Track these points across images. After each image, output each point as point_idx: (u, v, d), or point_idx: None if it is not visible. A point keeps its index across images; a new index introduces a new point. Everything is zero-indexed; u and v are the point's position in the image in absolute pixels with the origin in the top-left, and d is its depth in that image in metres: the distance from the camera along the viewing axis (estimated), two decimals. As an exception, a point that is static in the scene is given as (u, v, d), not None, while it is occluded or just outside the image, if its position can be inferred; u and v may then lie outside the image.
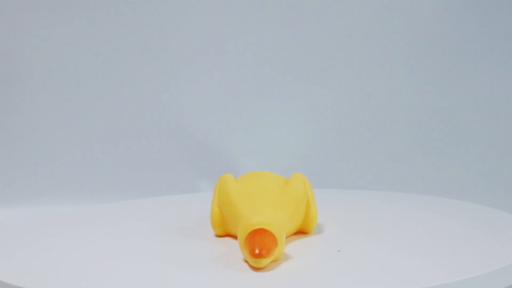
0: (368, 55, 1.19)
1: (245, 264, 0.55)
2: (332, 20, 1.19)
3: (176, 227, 0.68)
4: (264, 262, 0.54)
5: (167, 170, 1.16)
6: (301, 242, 0.62)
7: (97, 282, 0.52)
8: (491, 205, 0.78)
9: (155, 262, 0.57)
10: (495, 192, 1.12)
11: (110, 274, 0.54)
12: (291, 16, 1.18)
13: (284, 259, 0.57)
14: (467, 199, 0.87)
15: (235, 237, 0.63)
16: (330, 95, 1.19)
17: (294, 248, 0.60)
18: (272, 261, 0.55)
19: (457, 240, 0.61)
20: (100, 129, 1.15)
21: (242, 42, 1.18)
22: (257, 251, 0.54)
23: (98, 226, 0.70)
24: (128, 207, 0.81)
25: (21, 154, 1.14)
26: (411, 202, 0.78)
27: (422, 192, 1.02)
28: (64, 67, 1.15)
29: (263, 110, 1.19)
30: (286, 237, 0.61)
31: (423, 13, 1.19)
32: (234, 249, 0.60)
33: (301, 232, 0.65)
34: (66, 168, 1.14)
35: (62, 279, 0.53)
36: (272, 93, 1.19)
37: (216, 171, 1.15)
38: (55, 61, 1.14)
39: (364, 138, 1.19)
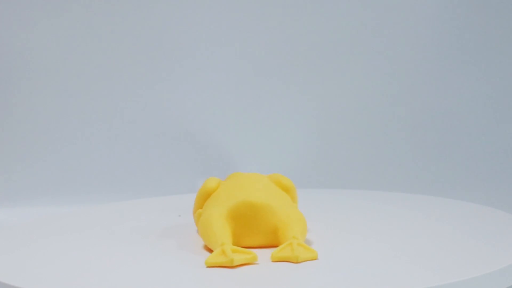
0: (368, 56, 1.19)
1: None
2: (332, 21, 1.19)
3: (176, 227, 0.68)
4: None
5: (167, 170, 1.16)
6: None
7: (97, 282, 0.52)
8: (491, 205, 0.78)
9: (154, 263, 0.57)
10: (495, 192, 1.12)
11: (109, 274, 0.54)
12: (290, 17, 1.18)
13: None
14: (467, 199, 0.87)
15: None
16: (330, 95, 1.19)
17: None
18: None
19: (457, 240, 0.61)
20: (100, 129, 1.15)
21: (243, 43, 1.18)
22: None
23: (98, 226, 0.70)
24: (128, 207, 0.81)
25: (21, 154, 1.13)
26: (411, 202, 0.78)
27: (422, 192, 1.02)
28: (65, 67, 1.15)
29: (263, 111, 1.19)
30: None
31: (423, 14, 1.19)
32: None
33: None
34: (66, 168, 1.14)
35: (61, 279, 0.53)
36: (273, 93, 1.19)
37: (216, 171, 1.15)
38: (55, 61, 1.14)
39: (364, 138, 1.19)
